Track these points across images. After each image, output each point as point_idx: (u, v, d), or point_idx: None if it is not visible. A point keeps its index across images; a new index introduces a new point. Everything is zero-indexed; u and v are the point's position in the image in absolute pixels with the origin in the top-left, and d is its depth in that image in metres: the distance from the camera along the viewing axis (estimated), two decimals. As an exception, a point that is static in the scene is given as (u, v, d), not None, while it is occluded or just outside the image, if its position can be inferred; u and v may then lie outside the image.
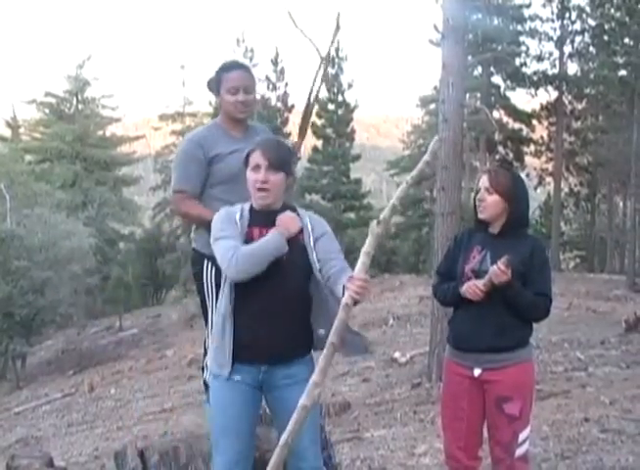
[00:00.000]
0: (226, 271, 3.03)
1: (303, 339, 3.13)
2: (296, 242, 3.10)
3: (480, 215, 3.50)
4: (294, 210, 3.22)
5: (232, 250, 2.98)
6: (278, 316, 3.04)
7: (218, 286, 3.66)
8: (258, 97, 36.83)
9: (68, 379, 21.95)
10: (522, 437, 3.45)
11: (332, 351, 2.70)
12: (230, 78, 3.81)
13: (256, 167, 3.08)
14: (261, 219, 3.13)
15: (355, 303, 2.74)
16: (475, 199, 3.54)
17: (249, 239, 3.07)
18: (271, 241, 3.00)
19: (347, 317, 2.73)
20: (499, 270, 3.27)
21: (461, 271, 3.51)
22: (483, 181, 3.47)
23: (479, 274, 3.41)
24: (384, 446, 6.78)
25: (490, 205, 3.45)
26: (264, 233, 3.07)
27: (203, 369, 3.92)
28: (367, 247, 2.77)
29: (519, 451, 3.46)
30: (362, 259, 2.77)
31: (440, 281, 3.68)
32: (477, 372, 3.48)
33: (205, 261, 3.79)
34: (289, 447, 2.73)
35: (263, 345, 3.03)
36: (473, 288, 3.37)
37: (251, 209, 3.18)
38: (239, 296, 3.04)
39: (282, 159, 3.13)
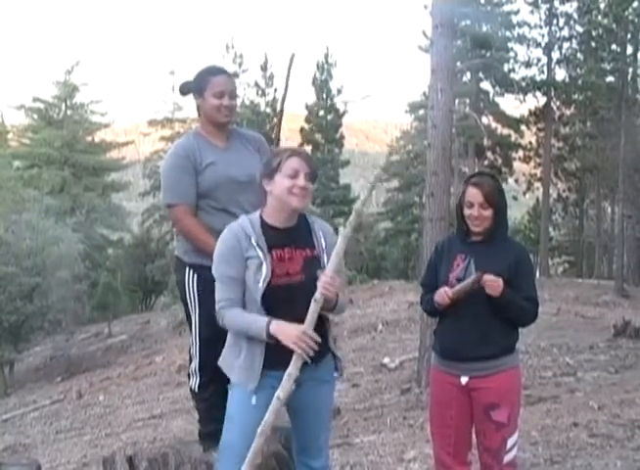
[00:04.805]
0: (217, 316, 3.09)
1: (326, 340, 3.14)
2: (313, 258, 3.11)
3: (476, 229, 3.50)
4: (305, 219, 3.20)
5: (225, 303, 3.03)
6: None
7: (200, 294, 3.65)
8: (247, 102, 37.01)
9: (56, 386, 21.85)
10: (510, 443, 3.47)
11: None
12: (217, 82, 3.76)
13: (294, 173, 3.04)
14: (278, 238, 3.08)
15: (326, 299, 2.94)
16: (461, 209, 3.54)
17: (273, 260, 3.03)
18: (254, 328, 2.96)
19: (317, 311, 2.93)
20: (490, 282, 3.31)
21: (445, 280, 3.52)
22: (476, 197, 3.45)
23: None
24: (373, 452, 6.78)
25: (486, 219, 3.47)
26: (284, 256, 3.07)
27: (189, 376, 3.90)
28: (337, 248, 2.98)
29: (507, 457, 3.48)
30: (332, 260, 2.97)
31: (425, 292, 3.70)
32: (463, 380, 3.49)
33: (187, 269, 3.76)
34: (266, 437, 2.87)
35: (290, 354, 2.99)
36: (442, 294, 3.41)
37: (263, 224, 3.10)
38: (268, 311, 3.01)
39: (317, 170, 3.16)
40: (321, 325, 3.07)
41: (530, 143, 39.40)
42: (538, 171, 38.74)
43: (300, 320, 2.95)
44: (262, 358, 3.03)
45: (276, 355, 2.97)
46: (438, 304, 3.46)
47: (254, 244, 3.03)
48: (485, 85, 35.81)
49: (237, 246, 3.03)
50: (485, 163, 37.76)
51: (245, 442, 2.98)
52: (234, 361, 3.12)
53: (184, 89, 3.90)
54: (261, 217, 3.12)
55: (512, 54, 34.71)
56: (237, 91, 3.93)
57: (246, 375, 3.06)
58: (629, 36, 30.91)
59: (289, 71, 3.88)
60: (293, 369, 2.87)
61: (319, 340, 2.92)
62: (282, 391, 2.85)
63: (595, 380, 9.69)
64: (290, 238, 3.10)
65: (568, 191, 41.34)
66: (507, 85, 34.67)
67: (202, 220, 3.69)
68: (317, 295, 2.91)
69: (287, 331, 2.91)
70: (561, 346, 12.68)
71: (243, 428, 3.05)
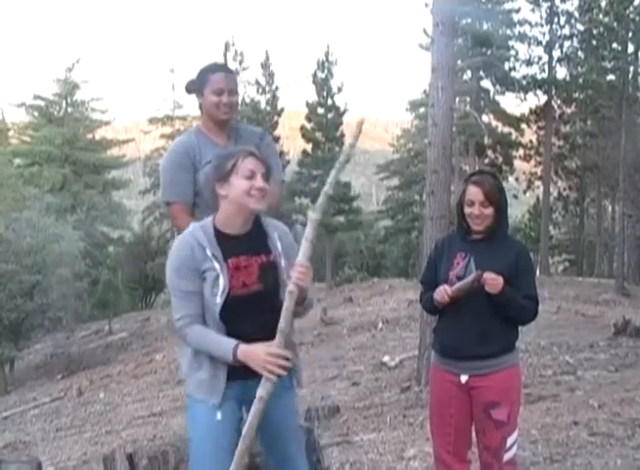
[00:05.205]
0: (177, 333, 2.97)
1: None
2: (269, 263, 2.97)
3: (477, 228, 3.49)
4: (259, 222, 3.03)
5: (187, 319, 2.89)
6: (268, 336, 2.86)
7: None
8: (248, 100, 36.98)
9: (56, 383, 21.88)
10: (510, 441, 3.47)
11: (282, 339, 2.78)
12: (215, 80, 3.76)
13: (251, 174, 2.88)
14: (233, 246, 2.92)
15: (300, 289, 2.79)
16: (461, 207, 3.54)
17: (229, 270, 2.89)
18: (220, 352, 2.84)
19: (293, 304, 2.79)
20: (490, 280, 3.31)
21: (445, 278, 3.52)
22: (477, 195, 3.45)
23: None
24: (373, 450, 6.78)
25: (487, 218, 3.46)
26: (241, 264, 2.91)
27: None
28: (307, 233, 2.81)
29: (507, 456, 3.48)
30: (303, 247, 2.82)
31: (425, 290, 3.70)
32: (463, 379, 3.49)
33: None
34: (250, 439, 2.77)
35: None
36: (442, 292, 3.40)
37: (217, 233, 2.93)
38: (227, 323, 2.89)
39: (271, 169, 3.01)
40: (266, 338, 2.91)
41: (531, 141, 39.38)
42: (539, 170, 38.72)
43: (260, 330, 2.84)
44: (226, 371, 2.91)
45: (239, 372, 2.86)
46: (438, 302, 3.46)
47: (210, 255, 2.87)
48: (486, 83, 35.81)
49: (192, 258, 2.87)
50: (486, 161, 37.75)
51: (220, 463, 2.87)
52: (194, 374, 2.98)
53: (189, 87, 3.91)
54: (214, 225, 2.96)
55: (513, 52, 34.67)
56: (237, 88, 3.92)
57: (208, 390, 2.94)
58: (630, 35, 30.86)
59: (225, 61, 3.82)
60: (263, 392, 2.75)
61: (289, 356, 2.80)
62: (263, 390, 2.74)
63: (595, 379, 9.69)
64: (245, 245, 2.95)
65: (568, 189, 41.33)
66: (508, 84, 34.65)
67: (198, 218, 3.69)
68: (291, 286, 2.78)
69: (254, 355, 2.78)
70: (561, 344, 12.68)
71: (214, 447, 2.93)
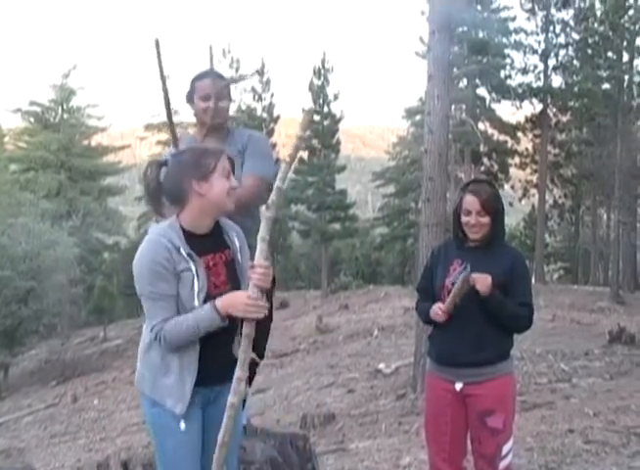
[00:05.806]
0: (156, 339, 2.82)
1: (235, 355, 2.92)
2: (231, 260, 2.94)
3: (474, 236, 3.49)
4: (217, 224, 2.96)
5: (160, 324, 2.76)
6: (230, 340, 2.88)
7: None
8: (244, 107, 37.00)
9: (51, 390, 21.83)
10: (505, 449, 3.46)
11: (248, 342, 2.69)
12: (201, 86, 3.81)
13: (228, 174, 2.85)
14: (201, 246, 2.85)
15: (262, 291, 2.72)
16: (458, 215, 3.54)
17: (206, 268, 2.83)
18: (205, 321, 2.73)
19: None
20: (481, 280, 3.30)
21: (441, 285, 3.52)
22: (473, 204, 3.45)
23: None
24: (368, 458, 6.76)
25: (484, 226, 3.46)
26: (210, 263, 2.86)
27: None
28: (262, 232, 2.68)
29: (502, 464, 3.47)
30: (260, 246, 2.69)
31: (421, 298, 3.70)
32: (458, 386, 3.49)
33: None
34: (227, 447, 2.70)
35: (220, 369, 2.87)
36: (436, 312, 3.41)
37: (184, 233, 2.83)
38: None
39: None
40: (231, 340, 2.90)
41: (527, 149, 39.47)
42: (534, 178, 38.77)
43: (229, 328, 2.78)
44: (195, 376, 2.82)
45: (208, 372, 2.84)
46: (436, 320, 3.46)
47: (185, 255, 2.78)
48: (482, 91, 35.91)
49: (170, 260, 2.76)
50: (482, 169, 37.81)
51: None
52: (160, 380, 2.86)
53: (187, 97, 3.96)
54: (181, 227, 2.85)
55: (508, 60, 34.80)
56: (228, 92, 3.93)
57: (175, 395, 2.83)
58: (625, 44, 31.03)
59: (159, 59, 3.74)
60: (241, 373, 2.67)
61: (267, 305, 2.73)
62: (234, 396, 2.66)
63: (590, 386, 9.68)
64: (210, 243, 2.90)
65: (563, 197, 41.43)
66: (503, 92, 34.74)
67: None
68: (253, 291, 2.70)
69: (234, 300, 2.71)
70: (556, 352, 12.67)
71: (183, 458, 2.88)
